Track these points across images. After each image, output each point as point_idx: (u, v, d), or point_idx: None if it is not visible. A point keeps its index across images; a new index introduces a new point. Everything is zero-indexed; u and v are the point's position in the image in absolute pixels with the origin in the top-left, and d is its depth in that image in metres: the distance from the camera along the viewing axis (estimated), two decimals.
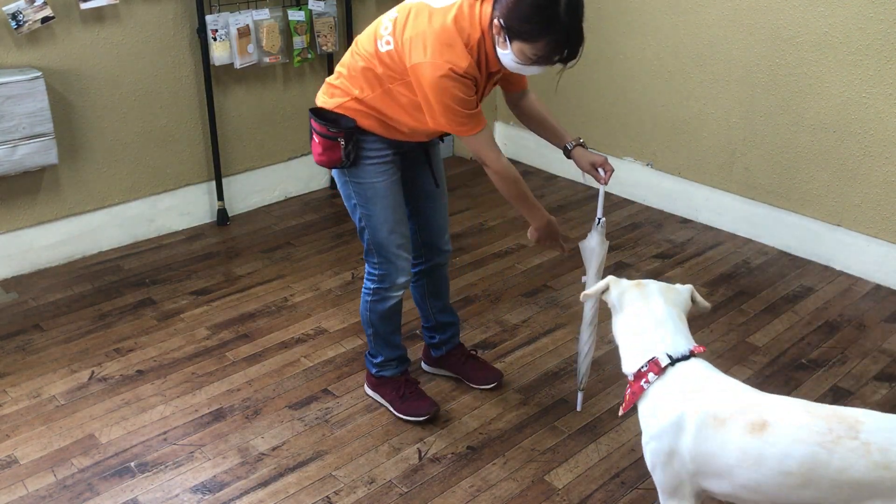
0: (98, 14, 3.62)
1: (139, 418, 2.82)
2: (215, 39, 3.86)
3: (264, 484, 2.54)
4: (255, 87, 4.19)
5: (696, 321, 3.34)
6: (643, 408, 1.95)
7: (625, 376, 2.02)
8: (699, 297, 2.11)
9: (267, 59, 4.05)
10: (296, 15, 4.08)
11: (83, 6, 3.53)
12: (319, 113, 2.50)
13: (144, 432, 2.75)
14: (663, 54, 4.15)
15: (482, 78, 2.34)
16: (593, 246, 2.55)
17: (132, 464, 2.62)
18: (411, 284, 2.85)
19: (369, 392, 2.92)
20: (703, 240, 4.06)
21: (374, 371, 2.84)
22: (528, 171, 4.85)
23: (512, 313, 3.44)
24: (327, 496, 2.50)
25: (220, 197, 4.17)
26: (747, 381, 2.10)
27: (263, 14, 3.98)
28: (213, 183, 4.16)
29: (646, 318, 2.00)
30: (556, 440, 2.73)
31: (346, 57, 2.50)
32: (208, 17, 3.82)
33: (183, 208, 4.12)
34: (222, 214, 4.18)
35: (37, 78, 3.38)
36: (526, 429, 2.78)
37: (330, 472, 2.59)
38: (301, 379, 3.03)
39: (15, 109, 3.34)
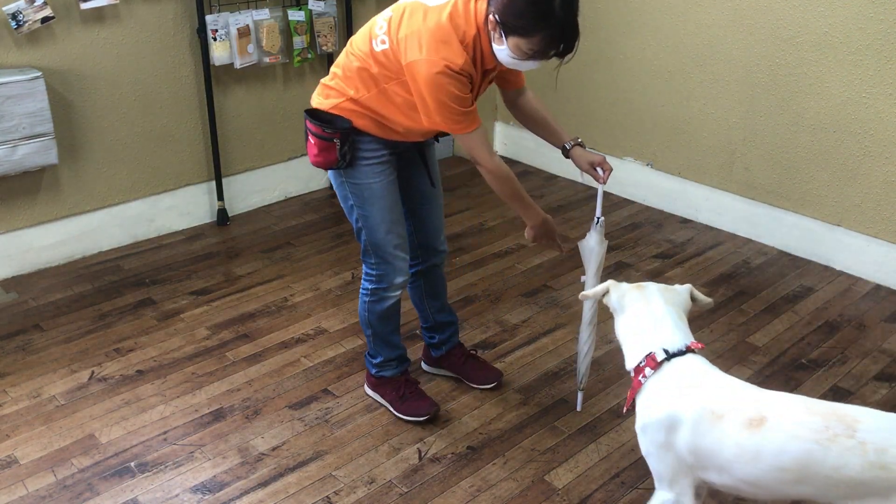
0: (98, 14, 3.62)
1: (139, 418, 2.82)
2: (215, 39, 3.86)
3: (264, 484, 2.54)
4: (255, 87, 4.19)
5: (697, 321, 3.34)
6: (640, 400, 1.99)
7: (628, 374, 2.05)
8: (699, 295, 2.15)
9: (267, 59, 4.05)
10: (296, 15, 4.08)
11: (83, 6, 3.53)
12: (315, 114, 2.49)
13: (144, 432, 2.75)
14: (663, 54, 4.15)
15: (477, 75, 2.34)
16: (592, 245, 2.55)
17: (132, 464, 2.62)
18: (409, 285, 2.85)
19: (369, 392, 2.92)
20: (703, 240, 4.06)
21: (373, 371, 2.84)
22: (528, 171, 4.85)
23: (512, 313, 3.44)
24: (327, 496, 2.50)
25: (220, 197, 4.17)
26: (747, 380, 2.09)
27: (263, 14, 3.98)
28: (213, 183, 4.16)
29: (645, 317, 2.04)
30: (556, 440, 2.73)
31: (341, 57, 2.50)
32: (208, 17, 3.82)
33: (183, 208, 4.13)
34: (222, 214, 4.19)
35: (37, 78, 3.38)
36: (526, 429, 2.78)
37: (330, 472, 2.59)
38: (301, 379, 3.03)
39: (15, 109, 3.34)
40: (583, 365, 2.71)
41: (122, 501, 2.47)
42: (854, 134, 3.58)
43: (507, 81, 2.59)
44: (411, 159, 2.65)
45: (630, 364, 2.04)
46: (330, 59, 4.32)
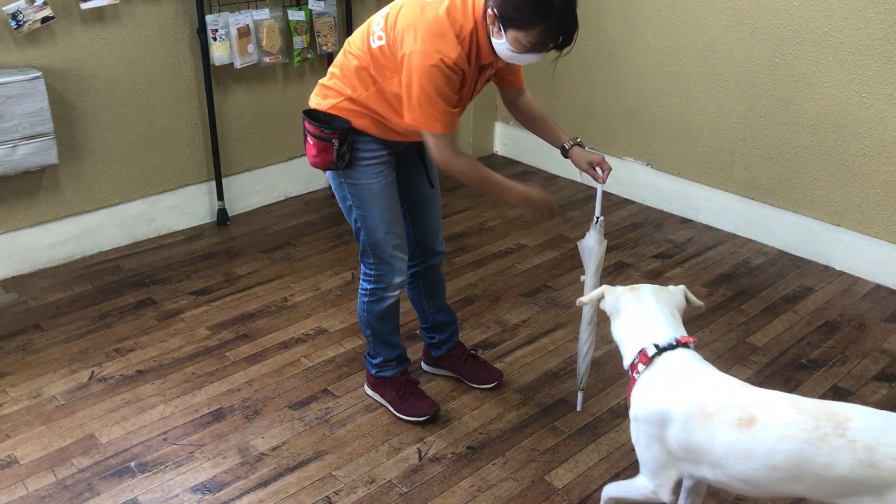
0: (98, 14, 3.62)
1: (139, 418, 2.82)
2: (215, 39, 3.86)
3: (264, 484, 2.54)
4: (255, 87, 4.19)
5: (697, 321, 3.34)
6: (633, 393, 2.02)
7: (628, 374, 2.08)
8: (692, 297, 2.18)
9: (267, 59, 4.05)
10: (296, 15, 4.08)
11: (83, 6, 3.53)
12: (313, 114, 2.49)
13: (144, 432, 2.75)
14: (663, 54, 4.15)
15: (471, 70, 2.33)
16: (592, 245, 2.55)
17: (132, 464, 2.62)
18: (407, 286, 2.85)
19: (369, 392, 2.92)
20: (703, 240, 4.06)
21: (373, 371, 2.84)
22: (528, 171, 4.85)
23: (512, 313, 3.44)
24: (327, 496, 2.50)
25: (220, 197, 4.17)
26: (747, 380, 2.10)
27: (263, 14, 3.98)
28: (213, 183, 4.16)
29: (639, 317, 2.07)
30: (556, 440, 2.73)
31: (339, 57, 2.50)
32: (208, 17, 3.82)
33: (183, 208, 4.13)
34: (222, 214, 4.19)
35: (37, 78, 3.38)
36: (526, 429, 2.78)
37: (330, 472, 2.59)
38: (301, 379, 3.03)
39: (15, 109, 3.34)
40: (583, 365, 2.71)
41: (122, 501, 2.47)
42: (854, 134, 3.58)
43: (507, 81, 2.59)
44: (410, 160, 2.65)
45: (626, 363, 2.07)
46: (330, 59, 4.32)
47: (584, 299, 2.25)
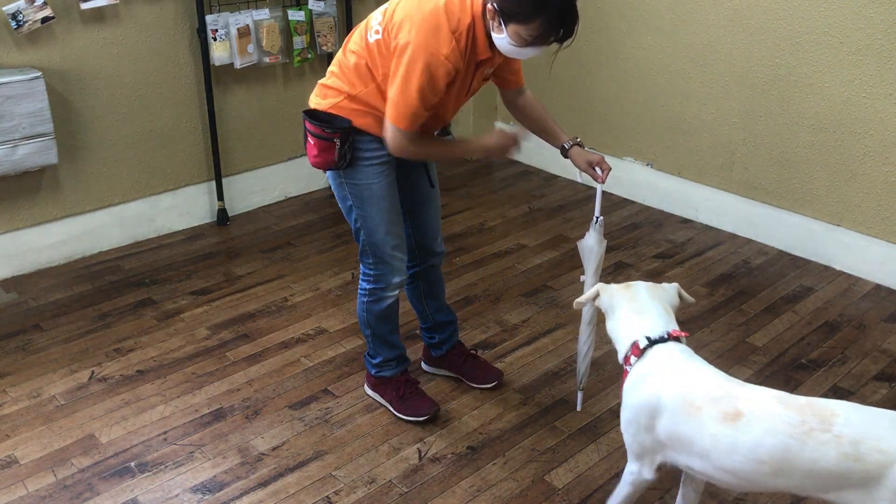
0: (98, 14, 3.62)
1: (139, 418, 2.82)
2: (215, 39, 3.86)
3: (264, 484, 2.54)
4: (255, 87, 4.19)
5: (697, 321, 3.35)
6: (625, 384, 2.06)
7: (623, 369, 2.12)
8: (685, 294, 2.22)
9: (267, 59, 4.05)
10: (296, 15, 4.08)
11: (83, 6, 3.53)
12: (313, 114, 2.49)
13: (144, 432, 2.75)
14: (663, 54, 4.15)
15: (465, 65, 2.32)
16: (591, 245, 2.55)
17: (132, 464, 2.62)
18: (406, 287, 2.84)
19: (369, 392, 2.92)
20: (703, 240, 4.06)
21: (373, 371, 2.84)
22: (528, 171, 4.85)
23: (512, 313, 3.44)
24: (327, 496, 2.50)
25: (220, 197, 4.17)
26: (747, 381, 2.10)
27: (263, 14, 3.98)
28: (213, 183, 4.16)
29: (633, 313, 2.12)
30: (556, 440, 2.73)
31: (338, 56, 2.50)
32: (208, 17, 3.82)
33: (183, 208, 4.13)
34: (222, 214, 4.19)
35: (37, 78, 3.38)
36: (526, 429, 2.78)
37: (330, 472, 2.59)
38: (301, 379, 3.03)
39: (15, 109, 3.34)
40: (583, 365, 2.71)
41: (122, 501, 2.47)
42: (854, 134, 3.58)
43: (507, 81, 2.59)
44: (410, 160, 2.64)
45: (620, 357, 2.12)
46: (330, 58, 4.32)
47: (581, 299, 2.27)
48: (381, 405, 2.87)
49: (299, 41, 4.13)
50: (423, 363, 3.06)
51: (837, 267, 3.77)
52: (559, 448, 2.70)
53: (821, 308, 3.48)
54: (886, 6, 3.36)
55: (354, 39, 2.44)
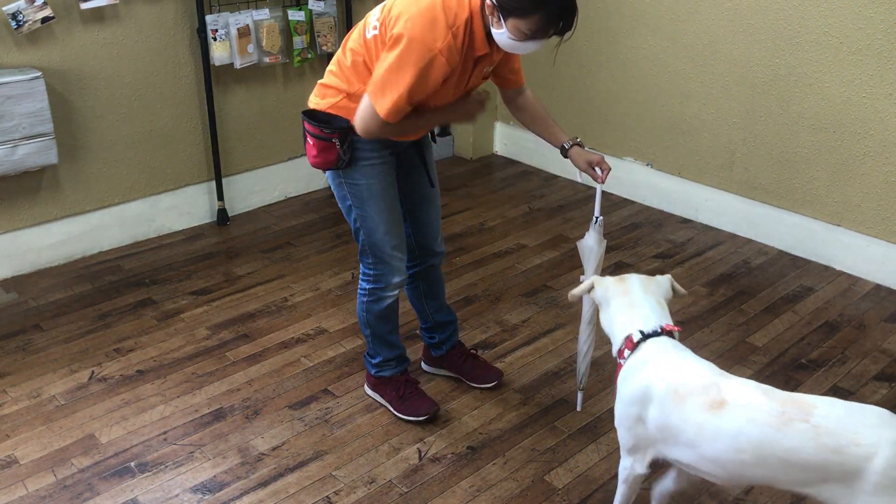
0: (98, 14, 3.62)
1: (139, 418, 2.82)
2: (215, 39, 3.86)
3: (264, 484, 2.54)
4: (255, 87, 4.19)
5: (697, 321, 3.35)
6: (619, 377, 2.10)
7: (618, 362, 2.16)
8: (678, 286, 2.25)
9: (267, 59, 4.05)
10: (296, 15, 4.08)
11: (83, 6, 3.53)
12: (312, 114, 2.49)
13: (144, 432, 2.75)
14: (663, 54, 4.15)
15: (462, 61, 2.31)
16: (591, 245, 2.55)
17: (132, 464, 2.62)
18: (406, 287, 2.84)
19: (369, 392, 2.92)
20: (703, 240, 4.06)
21: (373, 371, 2.84)
22: (528, 171, 4.85)
23: (512, 313, 3.44)
24: (327, 496, 2.50)
25: (220, 197, 4.17)
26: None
27: (263, 14, 3.98)
28: (213, 183, 4.16)
29: (626, 306, 2.15)
30: (556, 440, 2.73)
31: (338, 54, 2.49)
32: (208, 17, 3.82)
33: (183, 208, 4.13)
34: (222, 214, 4.19)
35: (37, 78, 3.38)
36: (526, 429, 2.78)
37: (330, 472, 2.59)
38: (301, 379, 3.03)
39: (15, 109, 3.34)
40: (583, 365, 2.71)
41: (122, 501, 2.47)
42: (854, 134, 3.58)
43: (507, 80, 2.59)
44: (410, 160, 2.65)
45: (615, 350, 2.15)
46: (330, 58, 4.31)
47: (575, 291, 2.28)
48: (381, 405, 2.87)
49: (299, 41, 4.13)
50: (423, 363, 3.06)
51: (837, 267, 3.78)
52: (559, 448, 2.70)
53: (821, 308, 3.48)
54: (886, 6, 3.36)
55: (353, 37, 2.44)
